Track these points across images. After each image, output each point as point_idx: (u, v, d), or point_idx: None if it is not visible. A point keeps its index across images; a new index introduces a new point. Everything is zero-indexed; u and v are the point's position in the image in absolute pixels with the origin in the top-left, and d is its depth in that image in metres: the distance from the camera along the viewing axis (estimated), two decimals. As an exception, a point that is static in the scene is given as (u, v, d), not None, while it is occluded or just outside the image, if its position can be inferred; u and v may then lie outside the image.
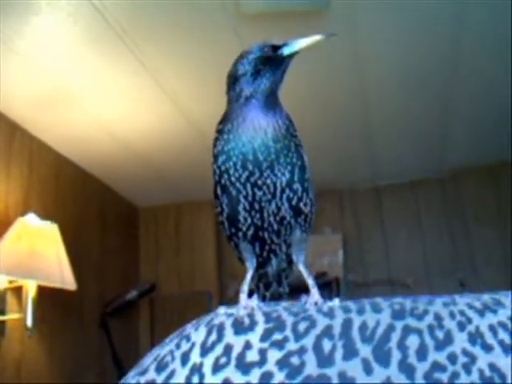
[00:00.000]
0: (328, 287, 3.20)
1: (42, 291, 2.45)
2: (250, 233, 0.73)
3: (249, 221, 0.72)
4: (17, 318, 2.41)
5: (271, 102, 0.73)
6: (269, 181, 0.70)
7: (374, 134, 3.06)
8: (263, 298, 0.81)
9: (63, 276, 2.46)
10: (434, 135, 3.13)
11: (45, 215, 2.56)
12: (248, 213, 0.71)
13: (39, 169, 2.82)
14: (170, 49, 2.27)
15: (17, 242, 2.35)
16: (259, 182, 0.70)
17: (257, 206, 0.71)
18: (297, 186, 0.72)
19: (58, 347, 2.76)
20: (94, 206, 3.32)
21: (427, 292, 3.34)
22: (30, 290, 2.41)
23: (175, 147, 3.07)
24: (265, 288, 0.81)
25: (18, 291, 2.44)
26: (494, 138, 3.17)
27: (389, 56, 2.40)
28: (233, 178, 0.71)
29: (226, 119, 0.74)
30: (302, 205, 0.73)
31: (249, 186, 0.70)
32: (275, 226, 0.73)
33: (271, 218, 0.72)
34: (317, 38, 0.73)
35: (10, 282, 2.39)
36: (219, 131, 0.73)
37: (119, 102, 2.62)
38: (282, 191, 0.71)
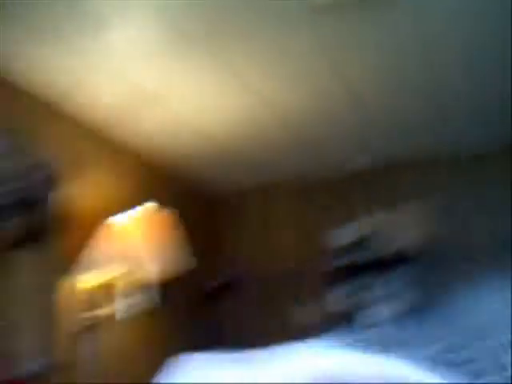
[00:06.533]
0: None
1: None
2: None
3: None
4: (110, 312, 2.56)
5: None
6: None
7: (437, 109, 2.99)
8: None
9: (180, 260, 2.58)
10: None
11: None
12: None
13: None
14: (252, 46, 2.31)
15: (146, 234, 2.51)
16: None
17: None
18: None
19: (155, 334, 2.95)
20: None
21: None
22: (120, 283, 2.56)
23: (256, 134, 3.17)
24: None
25: (108, 286, 2.57)
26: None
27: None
28: None
29: None
30: None
31: None
32: None
33: None
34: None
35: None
36: None
37: (200, 97, 2.71)
38: None
